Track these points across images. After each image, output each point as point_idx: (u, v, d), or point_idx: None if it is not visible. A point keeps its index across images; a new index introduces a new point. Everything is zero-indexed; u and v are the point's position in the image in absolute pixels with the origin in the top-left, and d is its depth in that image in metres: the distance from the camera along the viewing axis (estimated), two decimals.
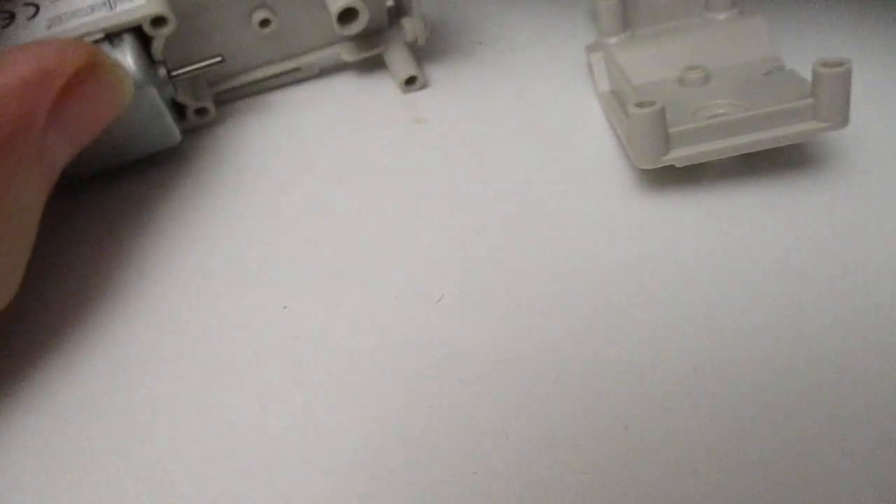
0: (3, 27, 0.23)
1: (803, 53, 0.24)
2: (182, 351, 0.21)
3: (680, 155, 0.21)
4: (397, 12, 0.28)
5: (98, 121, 0.22)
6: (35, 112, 0.20)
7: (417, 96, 0.28)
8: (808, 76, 0.21)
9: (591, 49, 0.28)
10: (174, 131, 0.25)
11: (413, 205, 0.24)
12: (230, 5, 0.26)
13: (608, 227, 0.22)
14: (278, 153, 0.27)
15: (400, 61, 0.28)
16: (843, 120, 0.21)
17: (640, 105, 0.21)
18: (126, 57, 0.23)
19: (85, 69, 0.21)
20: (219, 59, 0.26)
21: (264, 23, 0.26)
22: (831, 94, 0.21)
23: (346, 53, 0.28)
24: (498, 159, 0.25)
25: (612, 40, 0.27)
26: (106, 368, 0.21)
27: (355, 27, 0.26)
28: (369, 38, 0.29)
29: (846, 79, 0.21)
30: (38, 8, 0.24)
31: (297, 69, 0.29)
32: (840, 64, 0.20)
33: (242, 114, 0.28)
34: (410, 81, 0.28)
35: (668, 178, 0.23)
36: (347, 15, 0.26)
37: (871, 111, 0.24)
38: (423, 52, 0.30)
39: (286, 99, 0.29)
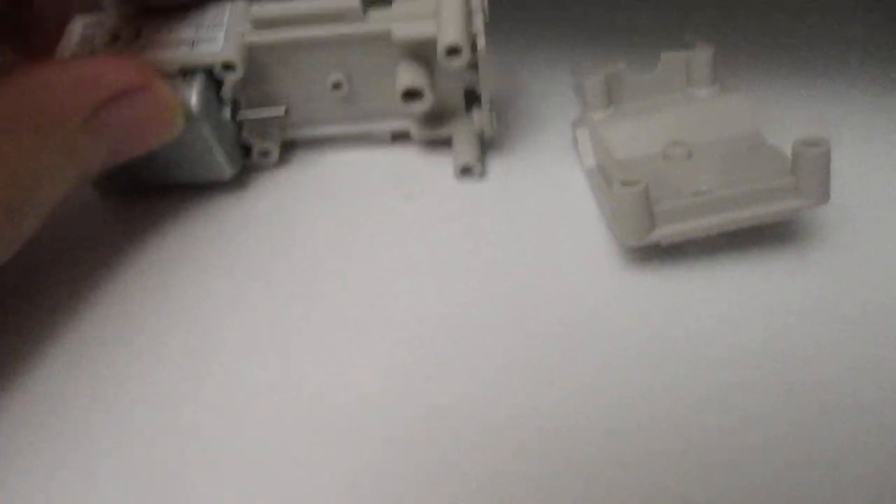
0: (106, 45, 0.26)
1: (784, 128, 0.25)
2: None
3: (665, 233, 0.22)
4: (473, 100, 0.28)
5: (141, 140, 0.24)
6: (73, 108, 0.22)
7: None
8: (789, 151, 0.22)
9: (576, 124, 0.28)
10: (224, 167, 0.27)
11: (404, 277, 0.25)
12: (308, 63, 0.27)
13: (594, 303, 0.23)
14: (317, 211, 0.28)
15: (463, 147, 0.28)
16: (824, 197, 0.22)
17: (625, 183, 0.21)
18: (192, 92, 0.25)
19: (136, 88, 0.23)
20: (282, 111, 0.27)
21: (336, 85, 0.27)
22: (812, 172, 0.21)
23: (414, 129, 0.28)
24: (485, 233, 0.26)
25: (597, 115, 0.28)
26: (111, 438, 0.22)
27: (419, 107, 0.26)
28: (441, 117, 0.29)
29: (826, 158, 0.21)
30: (138, 34, 0.26)
31: (369, 135, 0.29)
32: (819, 143, 0.21)
33: (309, 163, 0.30)
34: (466, 171, 0.28)
35: (654, 252, 0.24)
36: (412, 95, 0.26)
37: (853, 184, 0.25)
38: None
39: (352, 157, 0.30)
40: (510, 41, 0.34)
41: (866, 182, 0.26)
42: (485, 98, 0.27)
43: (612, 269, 0.24)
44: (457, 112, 0.28)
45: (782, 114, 0.28)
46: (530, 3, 0.38)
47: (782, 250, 0.24)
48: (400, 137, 0.30)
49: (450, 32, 0.24)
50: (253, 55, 0.26)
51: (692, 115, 0.26)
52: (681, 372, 0.21)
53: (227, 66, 0.25)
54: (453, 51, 0.24)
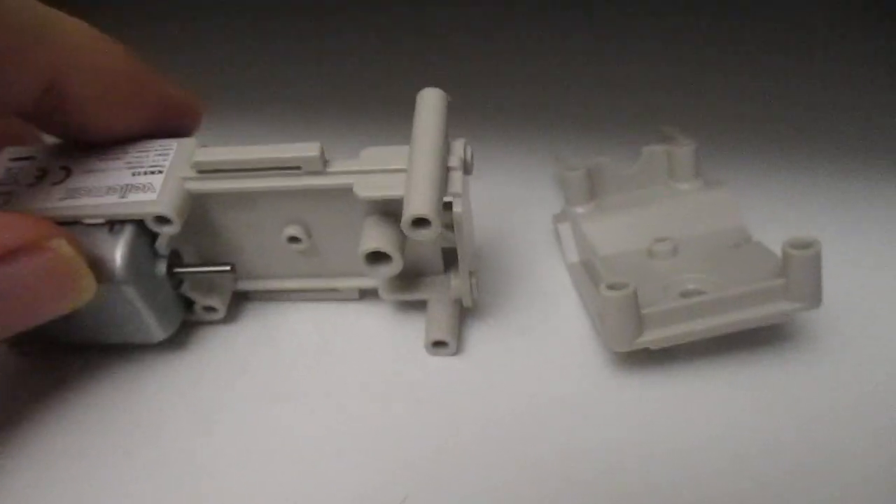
0: (29, 185, 0.23)
1: (768, 223, 0.25)
2: None
3: (654, 337, 0.21)
4: (452, 261, 0.24)
5: (33, 309, 0.20)
6: None
7: None
8: (776, 248, 0.21)
9: (558, 218, 0.27)
10: (154, 330, 0.23)
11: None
12: (260, 216, 0.23)
13: (582, 411, 0.22)
14: (265, 371, 0.24)
15: (435, 318, 0.24)
16: (816, 301, 0.21)
17: (611, 287, 0.20)
18: (116, 250, 0.21)
19: (27, 248, 0.19)
20: (227, 268, 0.23)
21: (293, 239, 0.23)
22: (803, 275, 0.20)
23: (383, 290, 0.24)
24: (469, 339, 0.24)
25: (580, 210, 0.27)
26: None
27: (386, 271, 0.22)
28: (415, 277, 0.25)
29: (816, 260, 0.20)
30: (68, 173, 0.23)
31: (334, 290, 0.25)
32: (809, 245, 0.20)
33: (261, 317, 0.26)
34: (438, 345, 0.23)
35: (641, 355, 0.22)
36: (378, 257, 0.22)
37: (843, 284, 0.24)
38: None
39: (311, 314, 0.26)
40: (492, 130, 0.34)
41: (855, 282, 0.25)
42: (463, 266, 0.23)
43: (599, 373, 0.23)
44: (433, 272, 0.25)
45: (766, 206, 0.28)
46: (511, 92, 0.37)
47: (772, 353, 0.23)
48: (369, 294, 0.26)
49: (416, 201, 0.20)
50: (196, 203, 0.23)
51: (676, 209, 0.26)
52: (669, 479, 0.20)
53: (161, 220, 0.22)
54: (420, 222, 0.20)
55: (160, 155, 0.23)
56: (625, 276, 0.21)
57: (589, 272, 0.25)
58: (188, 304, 0.25)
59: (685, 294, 0.23)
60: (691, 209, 0.26)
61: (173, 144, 0.23)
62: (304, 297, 0.26)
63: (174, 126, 0.23)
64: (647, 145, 0.27)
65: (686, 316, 0.21)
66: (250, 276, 0.25)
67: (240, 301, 0.26)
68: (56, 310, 0.20)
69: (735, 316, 0.21)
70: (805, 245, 0.20)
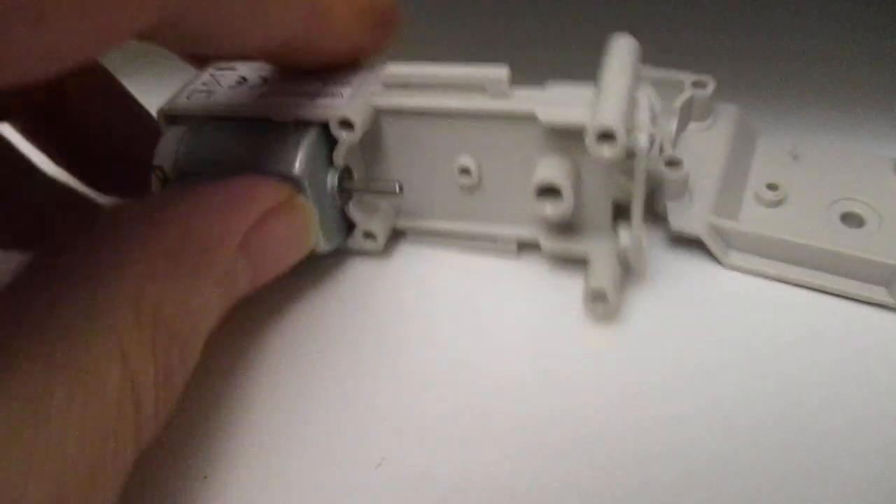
0: (230, 87, 0.24)
1: None
2: None
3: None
4: (621, 215, 0.23)
5: (282, 261, 0.22)
6: (229, 234, 0.19)
7: None
8: None
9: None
10: (318, 238, 0.23)
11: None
12: (435, 140, 0.23)
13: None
14: (410, 312, 0.23)
15: (598, 269, 0.22)
16: None
17: None
18: (300, 144, 0.22)
19: (281, 207, 0.21)
20: (394, 188, 0.23)
21: (465, 171, 0.23)
22: None
23: (544, 238, 0.24)
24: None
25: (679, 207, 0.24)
26: None
27: (555, 210, 0.22)
28: (580, 231, 0.24)
29: None
30: (266, 82, 0.24)
31: (492, 240, 0.25)
32: None
33: (414, 259, 0.25)
34: (597, 297, 0.22)
35: None
36: (549, 193, 0.22)
37: None
38: None
39: (466, 264, 0.25)
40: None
41: None
42: (637, 212, 0.21)
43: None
44: (599, 228, 0.23)
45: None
46: None
47: None
48: (527, 248, 0.25)
49: (605, 114, 0.19)
50: (377, 122, 0.23)
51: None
52: None
53: (345, 124, 0.22)
54: (606, 136, 0.19)
55: (351, 73, 0.24)
56: None
57: None
58: (349, 230, 0.25)
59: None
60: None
61: (363, 69, 0.24)
62: (459, 244, 0.25)
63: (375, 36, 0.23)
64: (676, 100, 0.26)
65: None
66: (412, 213, 0.25)
67: (396, 241, 0.26)
68: (295, 258, 0.22)
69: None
70: None
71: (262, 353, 0.23)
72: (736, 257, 0.24)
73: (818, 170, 0.26)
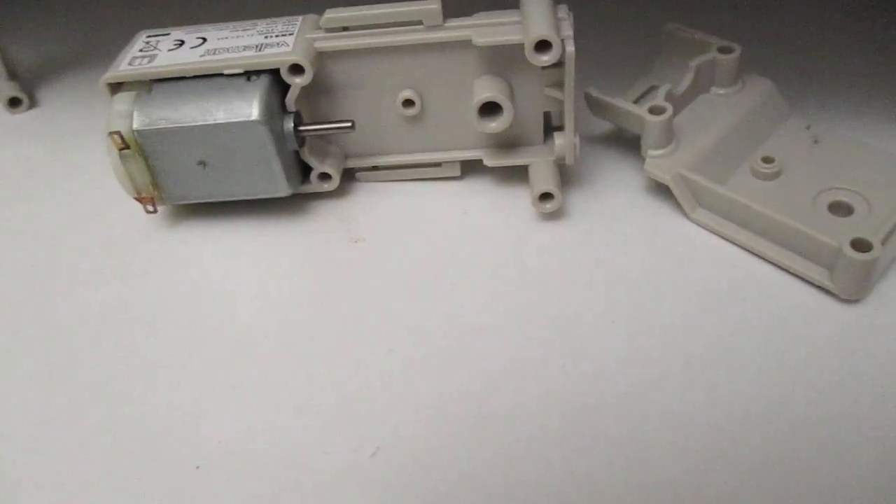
0: (169, 50, 0.25)
1: None
2: None
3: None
4: (550, 126, 0.26)
5: None
6: None
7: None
8: None
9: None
10: (281, 182, 0.25)
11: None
12: (378, 77, 0.25)
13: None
14: (374, 240, 0.25)
15: (540, 176, 0.25)
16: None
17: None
18: (255, 92, 0.23)
19: None
20: (347, 125, 0.25)
21: (408, 102, 0.25)
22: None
23: (488, 157, 0.26)
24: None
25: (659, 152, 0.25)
26: None
27: (497, 125, 0.24)
28: (517, 146, 0.26)
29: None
30: (204, 41, 0.25)
31: (437, 165, 0.27)
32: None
33: (368, 194, 0.27)
34: (545, 198, 0.25)
35: None
36: (490, 109, 0.24)
37: None
38: None
39: (418, 190, 0.27)
40: None
41: None
42: (569, 117, 0.24)
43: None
44: (533, 139, 0.26)
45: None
46: None
47: None
48: (469, 171, 0.27)
49: (541, 26, 0.22)
50: (322, 65, 0.25)
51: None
52: None
53: (296, 69, 0.23)
54: (543, 45, 0.22)
55: (288, 24, 0.25)
56: None
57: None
58: (303, 173, 0.26)
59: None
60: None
61: (298, 18, 0.25)
62: (408, 173, 0.27)
63: None
64: (695, 58, 0.27)
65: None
66: (361, 152, 0.27)
67: (348, 181, 0.28)
68: None
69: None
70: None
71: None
72: (702, 213, 0.25)
73: (831, 157, 0.26)
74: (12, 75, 0.33)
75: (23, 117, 0.33)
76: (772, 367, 0.20)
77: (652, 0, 0.34)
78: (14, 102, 0.32)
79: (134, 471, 0.19)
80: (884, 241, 0.22)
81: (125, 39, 0.26)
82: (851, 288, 0.22)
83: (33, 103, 0.33)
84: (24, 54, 0.36)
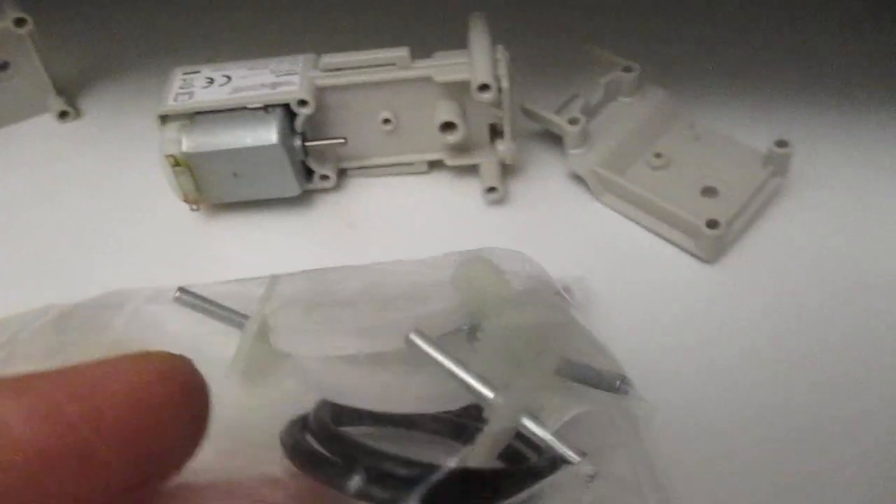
0: (203, 87, 0.32)
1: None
2: None
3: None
4: (496, 134, 0.34)
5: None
6: None
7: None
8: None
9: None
10: (293, 185, 0.33)
11: None
12: (363, 104, 0.33)
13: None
14: (366, 225, 0.34)
15: (487, 172, 0.34)
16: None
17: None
18: (273, 122, 0.31)
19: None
20: (342, 140, 0.33)
21: (386, 121, 0.33)
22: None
23: (448, 158, 0.35)
24: None
25: (578, 151, 0.34)
26: None
27: (453, 137, 0.32)
28: (470, 149, 0.35)
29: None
30: (229, 79, 0.33)
31: (410, 164, 0.36)
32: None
33: (359, 189, 0.36)
34: (492, 190, 0.34)
35: None
36: (448, 127, 0.32)
37: None
38: None
39: (395, 183, 0.36)
40: None
41: None
42: (507, 130, 0.33)
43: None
44: (482, 144, 0.35)
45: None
46: None
47: None
48: (435, 167, 0.36)
49: (482, 73, 0.30)
50: (321, 97, 0.33)
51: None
52: None
53: (302, 103, 0.32)
54: (484, 87, 0.30)
55: (292, 64, 0.33)
56: None
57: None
58: (308, 176, 0.34)
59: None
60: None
61: (300, 57, 0.33)
62: (388, 171, 0.36)
63: None
64: (605, 75, 0.34)
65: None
66: (351, 157, 0.35)
67: (342, 179, 0.36)
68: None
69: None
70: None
71: None
72: (608, 198, 0.33)
73: (707, 150, 0.34)
74: (60, 91, 0.40)
75: (72, 126, 0.40)
76: (651, 308, 0.30)
77: (578, 25, 0.43)
78: (63, 115, 0.40)
79: None
80: (734, 218, 0.31)
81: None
82: (709, 253, 0.31)
83: (78, 114, 0.40)
84: (61, 68, 0.43)
